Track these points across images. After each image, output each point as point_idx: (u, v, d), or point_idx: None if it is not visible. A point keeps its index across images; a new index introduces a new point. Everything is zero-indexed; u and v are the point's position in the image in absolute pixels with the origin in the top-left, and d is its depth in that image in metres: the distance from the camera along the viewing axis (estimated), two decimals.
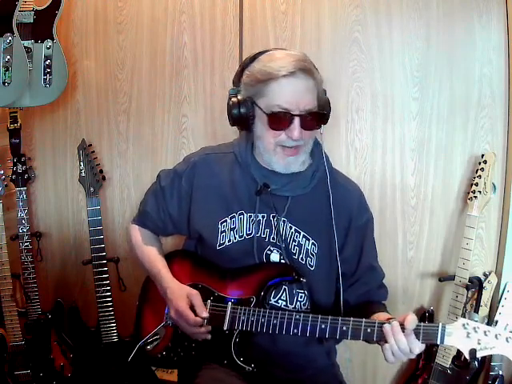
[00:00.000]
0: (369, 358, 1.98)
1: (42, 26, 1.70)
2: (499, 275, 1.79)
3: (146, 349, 1.37)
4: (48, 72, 1.74)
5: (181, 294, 1.29)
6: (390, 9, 1.78)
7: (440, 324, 1.07)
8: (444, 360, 1.76)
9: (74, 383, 1.96)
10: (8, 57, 1.59)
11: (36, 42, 1.71)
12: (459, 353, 1.75)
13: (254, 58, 1.26)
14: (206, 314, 1.25)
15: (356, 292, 1.36)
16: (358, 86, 1.83)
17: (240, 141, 1.36)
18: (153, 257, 1.43)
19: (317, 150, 1.34)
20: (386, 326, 1.09)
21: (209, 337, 1.27)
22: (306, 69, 1.19)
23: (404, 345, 1.07)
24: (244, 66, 1.28)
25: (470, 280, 1.72)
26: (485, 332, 1.04)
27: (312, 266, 1.32)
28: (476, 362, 1.73)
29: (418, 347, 1.08)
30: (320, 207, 1.32)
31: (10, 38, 1.58)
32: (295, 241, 1.32)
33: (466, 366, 1.74)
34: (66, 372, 1.96)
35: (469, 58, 1.75)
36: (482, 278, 1.79)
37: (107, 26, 1.97)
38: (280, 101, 1.20)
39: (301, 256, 1.32)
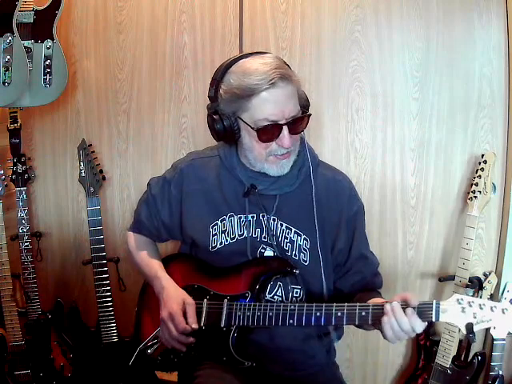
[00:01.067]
0: (369, 357, 1.99)
1: (41, 26, 1.70)
2: (499, 275, 1.79)
3: (147, 353, 1.37)
4: (48, 72, 1.74)
5: (177, 299, 1.30)
6: (390, 9, 1.78)
7: (434, 301, 1.08)
8: (444, 360, 1.76)
9: (74, 383, 1.96)
10: (8, 57, 1.58)
11: (36, 42, 1.71)
12: (459, 353, 1.76)
13: (226, 70, 1.22)
14: (196, 326, 1.26)
15: (350, 281, 1.38)
16: (357, 86, 1.83)
17: (224, 144, 1.35)
18: (149, 260, 1.44)
19: (301, 146, 1.34)
20: (387, 306, 1.10)
21: (184, 349, 1.29)
22: (283, 76, 1.17)
23: (406, 325, 1.08)
24: (217, 79, 1.24)
25: (470, 280, 1.72)
26: (480, 305, 1.04)
27: (306, 262, 1.33)
28: (476, 361, 1.73)
29: (421, 325, 1.08)
30: (309, 202, 1.32)
31: (10, 38, 1.58)
32: (287, 237, 1.33)
33: (465, 365, 1.75)
34: (66, 372, 1.96)
35: (469, 58, 1.75)
36: (482, 278, 1.79)
37: (107, 25, 1.97)
38: (266, 114, 1.19)
39: (294, 252, 1.33)
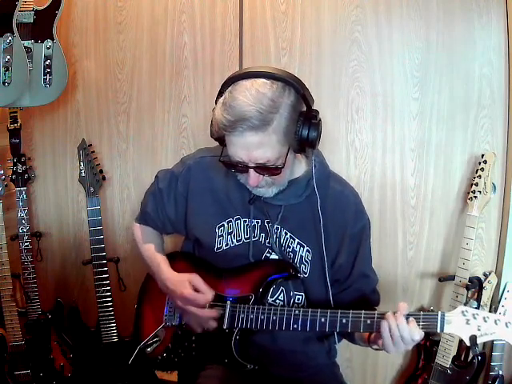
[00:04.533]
0: (369, 357, 1.98)
1: (41, 26, 1.70)
2: (499, 275, 1.79)
3: (146, 351, 1.37)
4: (48, 72, 1.74)
5: (182, 282, 1.29)
6: (390, 9, 1.78)
7: (439, 312, 1.09)
8: (444, 360, 1.76)
9: (74, 383, 1.96)
10: (8, 57, 1.58)
11: (36, 42, 1.71)
12: (459, 353, 1.76)
13: (221, 92, 1.18)
14: (213, 292, 1.26)
15: (348, 297, 1.35)
16: (357, 86, 1.83)
17: None
18: (152, 253, 1.44)
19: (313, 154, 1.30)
20: (389, 313, 1.11)
21: (215, 325, 1.27)
22: (252, 126, 1.09)
23: (406, 331, 1.08)
24: (219, 92, 1.19)
25: (470, 280, 1.71)
26: (484, 318, 1.05)
27: (306, 273, 1.32)
28: (476, 361, 1.73)
29: (418, 333, 1.08)
30: (315, 215, 1.29)
31: (10, 38, 1.58)
32: (290, 247, 1.32)
33: (466, 365, 1.75)
34: (66, 372, 1.96)
35: (469, 58, 1.75)
36: (482, 278, 1.79)
37: (107, 25, 1.97)
38: (232, 153, 1.16)
39: (295, 262, 1.32)
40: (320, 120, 1.18)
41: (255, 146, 1.12)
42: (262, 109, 1.09)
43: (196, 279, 1.28)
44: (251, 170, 1.17)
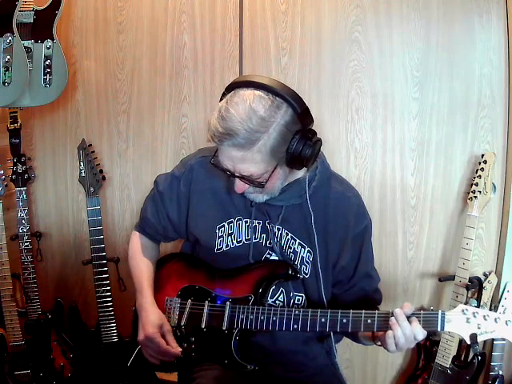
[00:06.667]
0: (369, 357, 1.99)
1: (42, 26, 1.70)
2: (499, 275, 1.79)
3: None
4: (48, 72, 1.74)
5: (154, 322, 1.30)
6: (390, 9, 1.78)
7: (439, 311, 1.10)
8: (444, 360, 1.76)
9: (74, 383, 1.96)
10: (8, 57, 1.58)
11: (36, 42, 1.71)
12: (459, 352, 1.76)
13: (224, 94, 1.17)
14: (179, 350, 1.27)
15: (351, 297, 1.36)
16: (357, 86, 1.83)
17: None
18: (141, 272, 1.43)
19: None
20: (392, 318, 1.11)
21: (172, 359, 1.30)
22: (236, 143, 1.10)
23: (409, 330, 1.09)
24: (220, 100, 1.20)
25: (470, 280, 1.72)
26: (484, 316, 1.06)
27: (306, 274, 1.32)
28: (476, 361, 1.73)
29: (422, 333, 1.09)
30: (316, 216, 1.28)
31: (10, 38, 1.58)
32: (291, 248, 1.32)
33: (465, 365, 1.75)
34: (66, 372, 1.96)
35: (469, 58, 1.75)
36: (482, 278, 1.79)
37: (107, 25, 1.97)
38: (220, 160, 1.17)
39: (296, 263, 1.32)
40: (318, 141, 1.17)
41: (239, 161, 1.13)
42: (249, 127, 1.08)
43: (169, 332, 1.30)
44: (236, 179, 1.18)
